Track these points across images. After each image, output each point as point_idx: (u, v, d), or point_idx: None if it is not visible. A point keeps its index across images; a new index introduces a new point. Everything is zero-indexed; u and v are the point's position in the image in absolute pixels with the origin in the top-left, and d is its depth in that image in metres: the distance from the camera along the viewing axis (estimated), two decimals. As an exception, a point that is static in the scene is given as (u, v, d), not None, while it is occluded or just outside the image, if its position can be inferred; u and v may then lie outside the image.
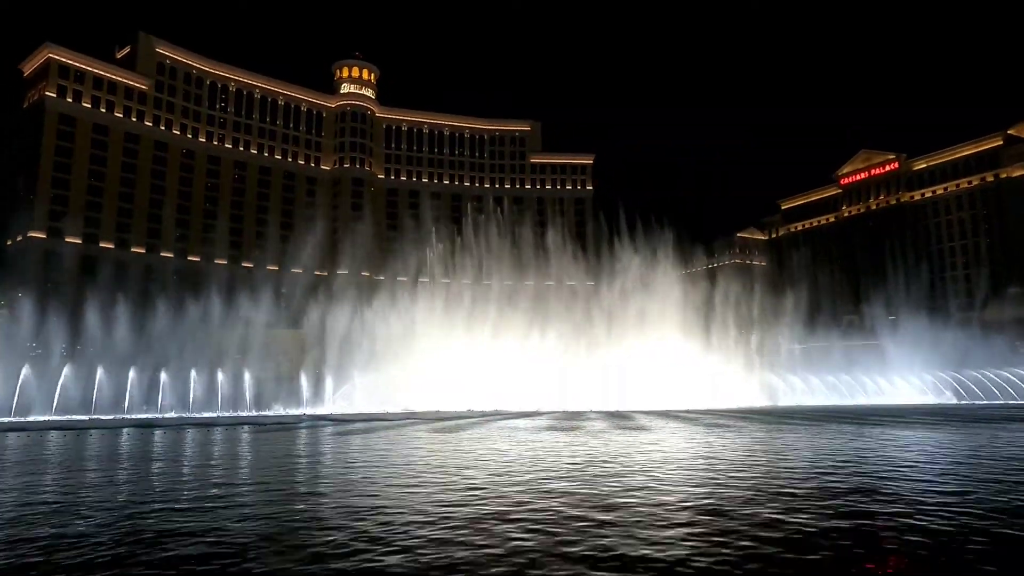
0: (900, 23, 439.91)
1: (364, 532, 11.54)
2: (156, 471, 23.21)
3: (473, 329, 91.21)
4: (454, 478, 18.92)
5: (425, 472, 20.83)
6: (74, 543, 10.92)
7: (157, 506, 14.85)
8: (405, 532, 11.51)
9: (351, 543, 10.68)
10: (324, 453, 29.71)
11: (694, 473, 19.71)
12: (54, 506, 15.09)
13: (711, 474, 19.10)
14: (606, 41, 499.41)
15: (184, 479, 20.68)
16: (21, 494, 17.09)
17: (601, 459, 23.65)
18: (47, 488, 18.46)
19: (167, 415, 67.79)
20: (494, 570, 9.12)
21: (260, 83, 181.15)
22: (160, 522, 12.82)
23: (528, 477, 18.92)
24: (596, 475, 19.15)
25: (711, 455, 24.85)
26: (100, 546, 10.66)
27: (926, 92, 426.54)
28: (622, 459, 23.50)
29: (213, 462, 26.61)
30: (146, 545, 10.84)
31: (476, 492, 16.07)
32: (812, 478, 17.92)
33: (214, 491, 17.11)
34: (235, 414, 71.43)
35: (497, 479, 18.52)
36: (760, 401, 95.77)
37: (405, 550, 10.23)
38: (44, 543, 11.08)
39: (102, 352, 70.62)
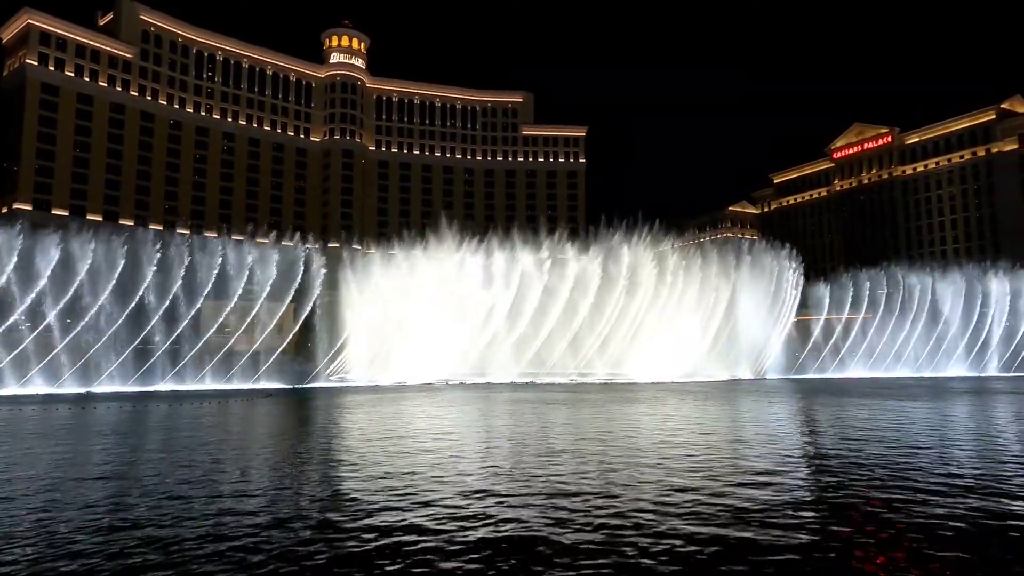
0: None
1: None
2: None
3: (462, 302, 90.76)
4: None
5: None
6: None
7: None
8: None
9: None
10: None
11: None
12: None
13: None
14: (599, 12, 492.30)
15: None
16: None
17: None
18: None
19: (161, 388, 67.73)
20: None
21: (248, 52, 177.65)
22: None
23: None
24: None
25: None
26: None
27: (921, 65, 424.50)
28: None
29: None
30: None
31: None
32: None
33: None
34: (228, 386, 71.47)
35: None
36: (746, 374, 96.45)
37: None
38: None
39: (92, 325, 70.16)
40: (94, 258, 69.04)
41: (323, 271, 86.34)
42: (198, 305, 76.37)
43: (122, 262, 70.20)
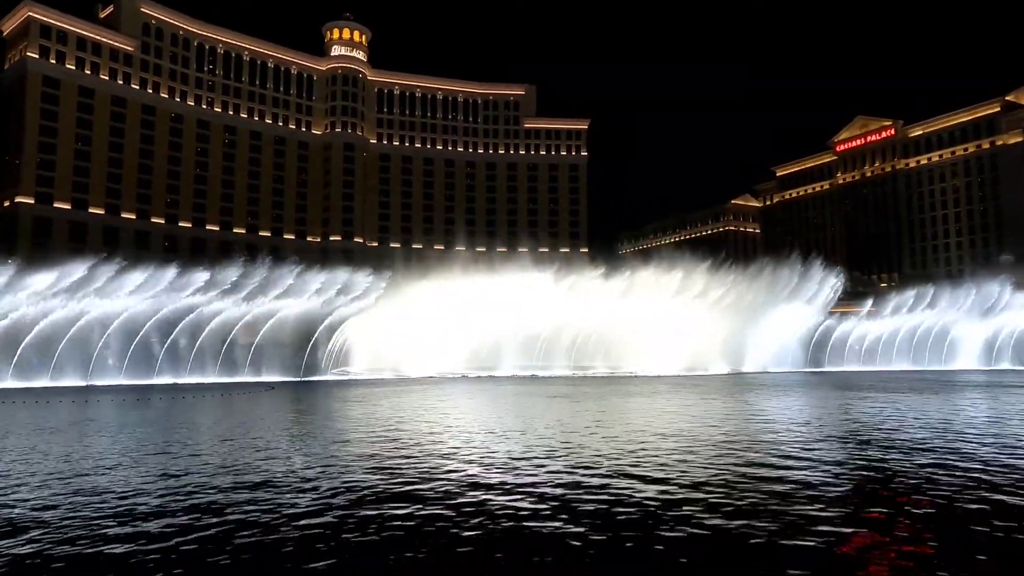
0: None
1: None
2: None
3: (464, 296, 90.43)
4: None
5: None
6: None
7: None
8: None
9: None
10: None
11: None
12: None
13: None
14: (602, 7, 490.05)
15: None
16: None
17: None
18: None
19: (160, 381, 67.90)
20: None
21: (249, 45, 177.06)
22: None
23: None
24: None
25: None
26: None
27: (925, 59, 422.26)
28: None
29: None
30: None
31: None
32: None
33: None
34: (231, 379, 71.62)
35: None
36: (749, 368, 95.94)
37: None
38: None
39: (96, 319, 70.32)
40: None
41: (388, 274, 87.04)
42: (250, 306, 78.51)
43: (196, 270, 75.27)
